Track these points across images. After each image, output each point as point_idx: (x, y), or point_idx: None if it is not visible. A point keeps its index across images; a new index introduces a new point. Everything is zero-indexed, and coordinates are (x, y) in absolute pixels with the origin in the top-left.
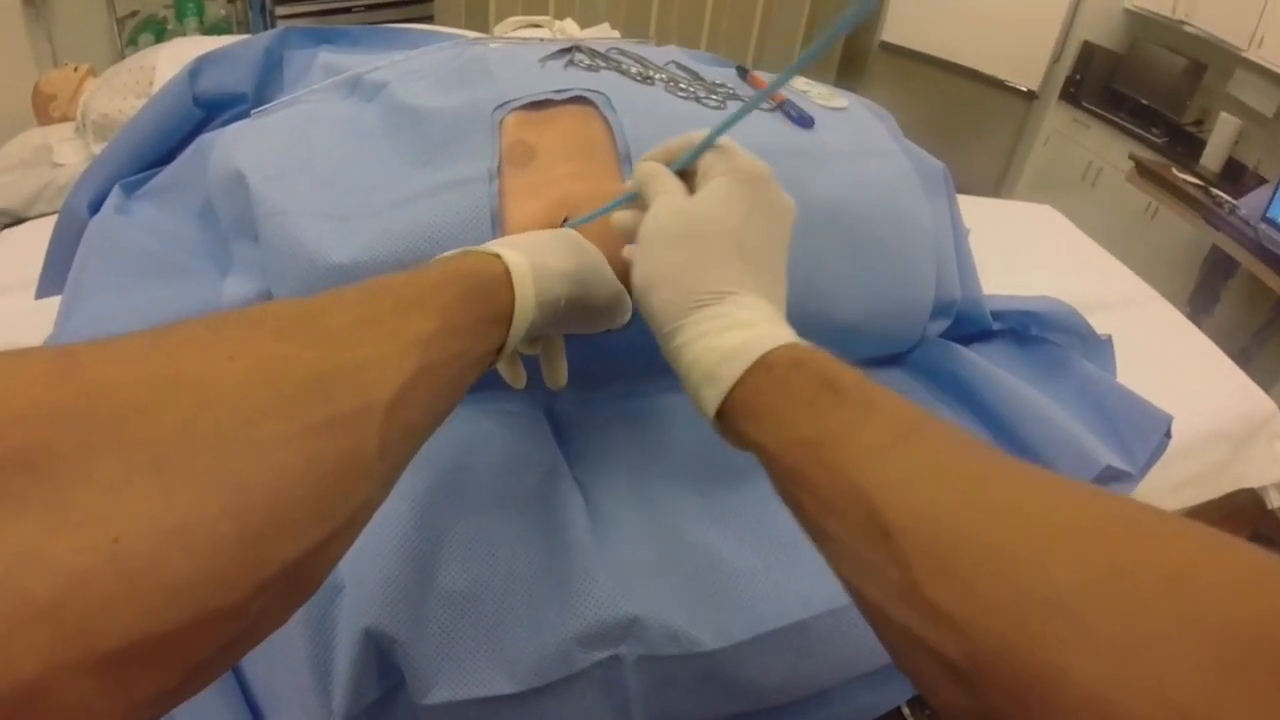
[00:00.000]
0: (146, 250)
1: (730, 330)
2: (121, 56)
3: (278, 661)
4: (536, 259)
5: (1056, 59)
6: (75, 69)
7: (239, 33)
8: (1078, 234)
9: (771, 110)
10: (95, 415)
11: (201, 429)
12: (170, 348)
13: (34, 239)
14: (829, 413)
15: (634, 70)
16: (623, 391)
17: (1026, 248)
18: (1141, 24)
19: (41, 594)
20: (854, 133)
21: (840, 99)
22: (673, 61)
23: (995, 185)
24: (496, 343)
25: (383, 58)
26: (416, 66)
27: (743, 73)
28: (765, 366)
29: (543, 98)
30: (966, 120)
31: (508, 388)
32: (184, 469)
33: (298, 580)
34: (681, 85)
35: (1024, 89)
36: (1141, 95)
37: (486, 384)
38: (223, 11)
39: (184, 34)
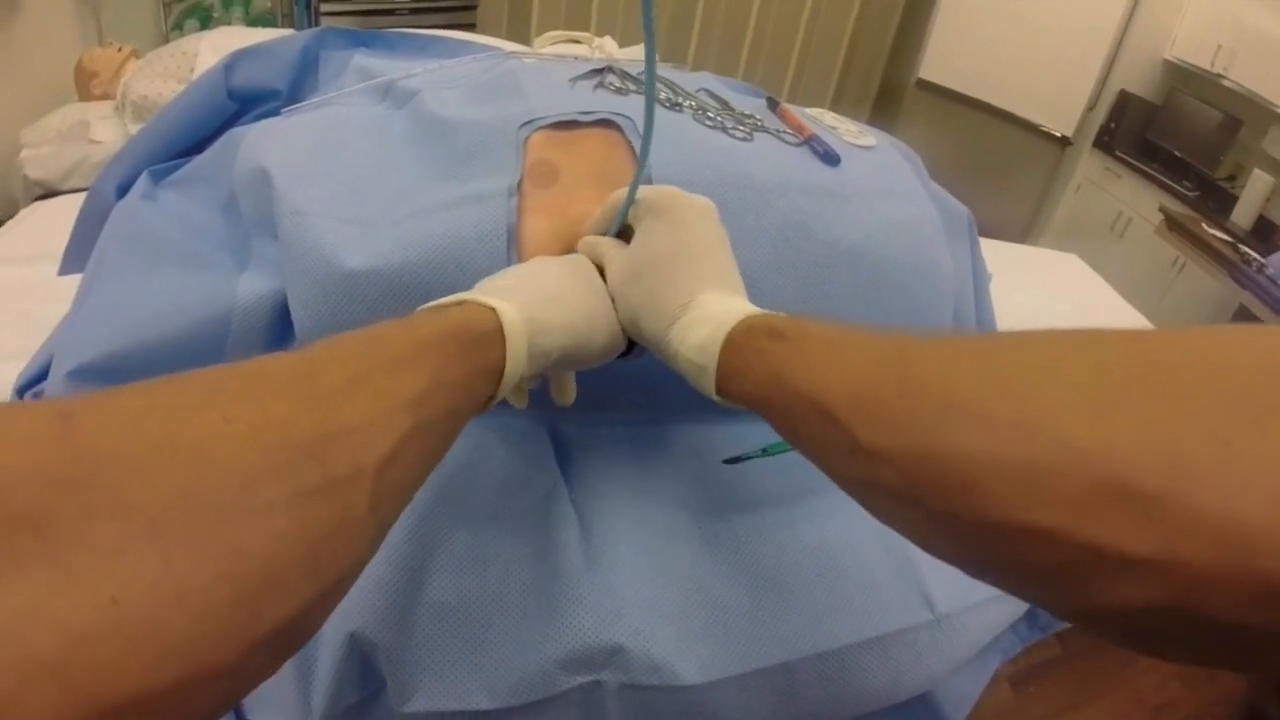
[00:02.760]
0: (168, 238)
1: (698, 329)
2: (166, 40)
3: None
4: (532, 313)
5: (1092, 106)
6: (119, 49)
7: (283, 26)
8: (1101, 285)
9: (799, 145)
10: (94, 480)
11: (198, 494)
12: (167, 409)
13: (65, 212)
14: (777, 352)
15: (663, 95)
16: (628, 418)
17: (1049, 296)
18: (1179, 75)
19: (46, 651)
20: (881, 172)
21: (869, 137)
22: (704, 89)
23: (1024, 230)
24: (487, 395)
25: (417, 65)
26: (449, 76)
27: (773, 104)
28: (729, 345)
29: (569, 118)
30: (999, 162)
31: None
32: (181, 533)
33: (289, 638)
34: (709, 114)
35: (1058, 134)
36: (1175, 147)
37: None
38: (268, 3)
39: (229, 23)
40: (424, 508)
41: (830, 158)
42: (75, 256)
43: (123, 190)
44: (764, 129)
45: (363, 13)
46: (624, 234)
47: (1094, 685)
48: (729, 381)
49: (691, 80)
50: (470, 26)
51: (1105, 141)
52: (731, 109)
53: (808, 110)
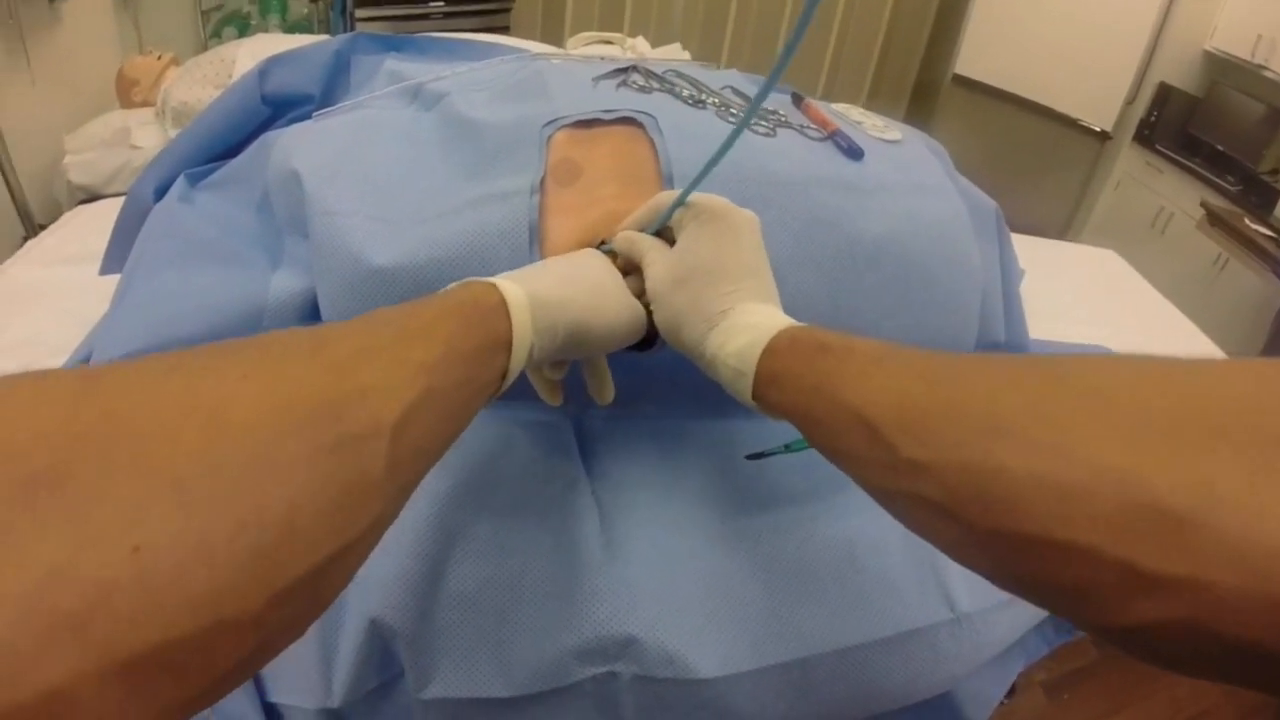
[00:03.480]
0: (204, 237)
1: (738, 335)
2: (205, 48)
3: None
4: (533, 290)
5: (1131, 100)
6: (159, 57)
7: (319, 32)
8: (1140, 282)
9: (823, 140)
10: (116, 437)
11: (218, 451)
12: (186, 372)
13: (106, 215)
14: (822, 364)
15: (686, 93)
16: (654, 412)
17: (1085, 293)
18: (1220, 67)
19: (70, 607)
20: (906, 167)
21: (895, 131)
22: (729, 86)
23: (1063, 227)
24: (500, 369)
25: (446, 68)
26: (478, 79)
27: (797, 99)
28: (771, 351)
29: (591, 116)
30: (1038, 158)
31: (539, 399)
32: (202, 488)
33: (311, 594)
34: (733, 110)
35: (1097, 129)
36: (1217, 141)
37: (519, 394)
38: (305, 10)
39: (266, 30)
40: (447, 498)
41: (854, 152)
42: (115, 256)
43: (160, 192)
44: (787, 125)
45: (397, 18)
46: (662, 235)
47: (1130, 692)
48: (767, 389)
49: (717, 78)
50: (504, 29)
51: (1145, 135)
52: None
53: (833, 105)
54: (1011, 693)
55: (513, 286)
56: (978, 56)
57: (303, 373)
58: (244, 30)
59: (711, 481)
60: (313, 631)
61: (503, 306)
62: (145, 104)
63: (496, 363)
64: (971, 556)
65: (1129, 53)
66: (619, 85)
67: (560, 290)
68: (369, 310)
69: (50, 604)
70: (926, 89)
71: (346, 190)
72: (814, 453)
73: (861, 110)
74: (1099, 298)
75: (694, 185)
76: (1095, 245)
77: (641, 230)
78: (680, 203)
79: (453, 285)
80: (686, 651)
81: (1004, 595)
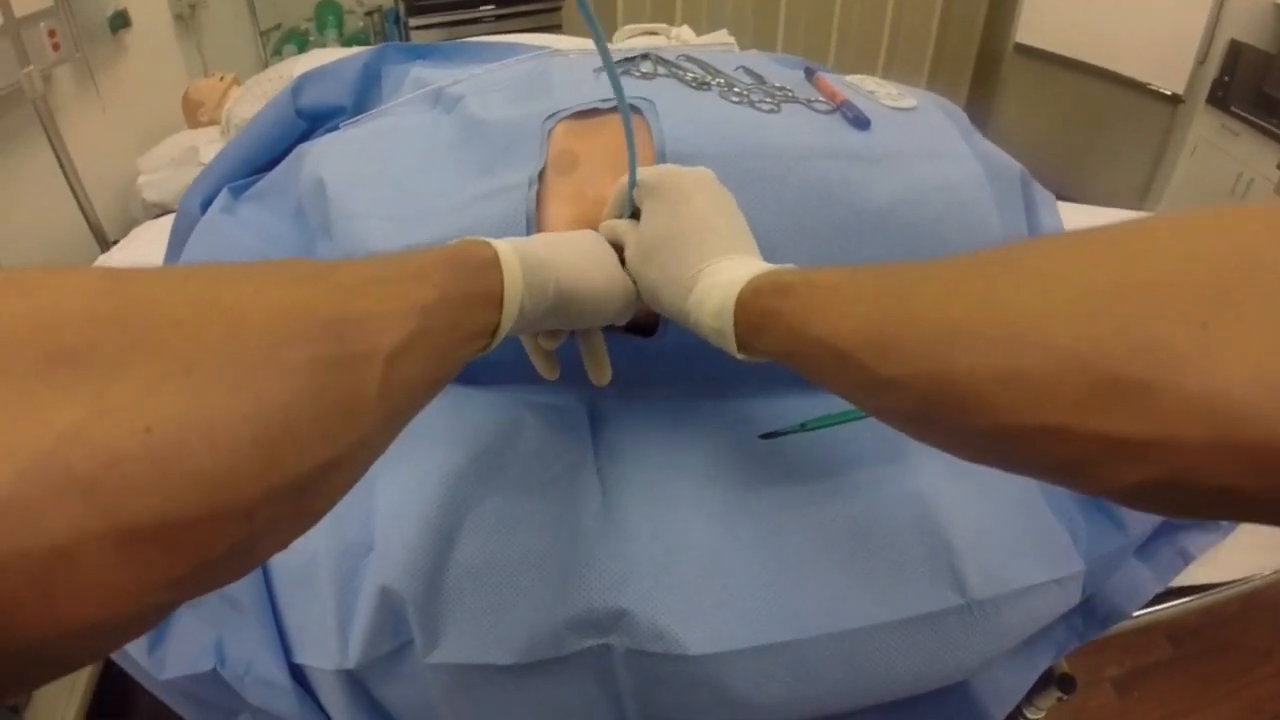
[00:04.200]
0: (243, 245)
1: (711, 296)
2: (266, 66)
3: (311, 605)
4: (525, 249)
5: (1202, 60)
6: (221, 78)
7: (376, 43)
8: None
9: (830, 112)
10: (137, 322)
11: (230, 345)
12: (206, 279)
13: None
14: (788, 305)
15: (690, 77)
16: (664, 395)
17: None
18: None
19: (80, 469)
20: (919, 133)
21: (910, 99)
22: (741, 66)
23: (1140, 196)
24: (491, 321)
25: (466, 71)
26: (495, 80)
27: (810, 74)
28: (741, 305)
29: (589, 107)
30: (1109, 125)
31: (554, 382)
32: (213, 376)
33: (302, 499)
34: (736, 89)
35: (1168, 92)
36: None
37: (532, 377)
38: (361, 24)
39: (324, 45)
40: (457, 474)
41: (861, 122)
42: (171, 264)
43: (206, 205)
44: (794, 99)
45: (450, 24)
46: (636, 216)
47: (1206, 692)
48: (749, 339)
49: (732, 60)
50: (557, 27)
51: (1219, 97)
52: (765, 83)
53: (848, 78)
54: (1073, 687)
55: (504, 245)
56: (1039, 24)
57: (311, 293)
58: (303, 47)
59: (721, 460)
60: (333, 598)
61: (496, 262)
62: (211, 123)
63: (487, 315)
64: (960, 451)
65: (1196, 10)
66: (620, 74)
67: (551, 252)
68: None
69: (63, 463)
70: (989, 61)
71: (367, 194)
72: (829, 432)
73: (876, 80)
74: None
75: (632, 164)
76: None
77: (619, 216)
78: (632, 183)
79: (451, 241)
80: (676, 627)
81: (1022, 582)
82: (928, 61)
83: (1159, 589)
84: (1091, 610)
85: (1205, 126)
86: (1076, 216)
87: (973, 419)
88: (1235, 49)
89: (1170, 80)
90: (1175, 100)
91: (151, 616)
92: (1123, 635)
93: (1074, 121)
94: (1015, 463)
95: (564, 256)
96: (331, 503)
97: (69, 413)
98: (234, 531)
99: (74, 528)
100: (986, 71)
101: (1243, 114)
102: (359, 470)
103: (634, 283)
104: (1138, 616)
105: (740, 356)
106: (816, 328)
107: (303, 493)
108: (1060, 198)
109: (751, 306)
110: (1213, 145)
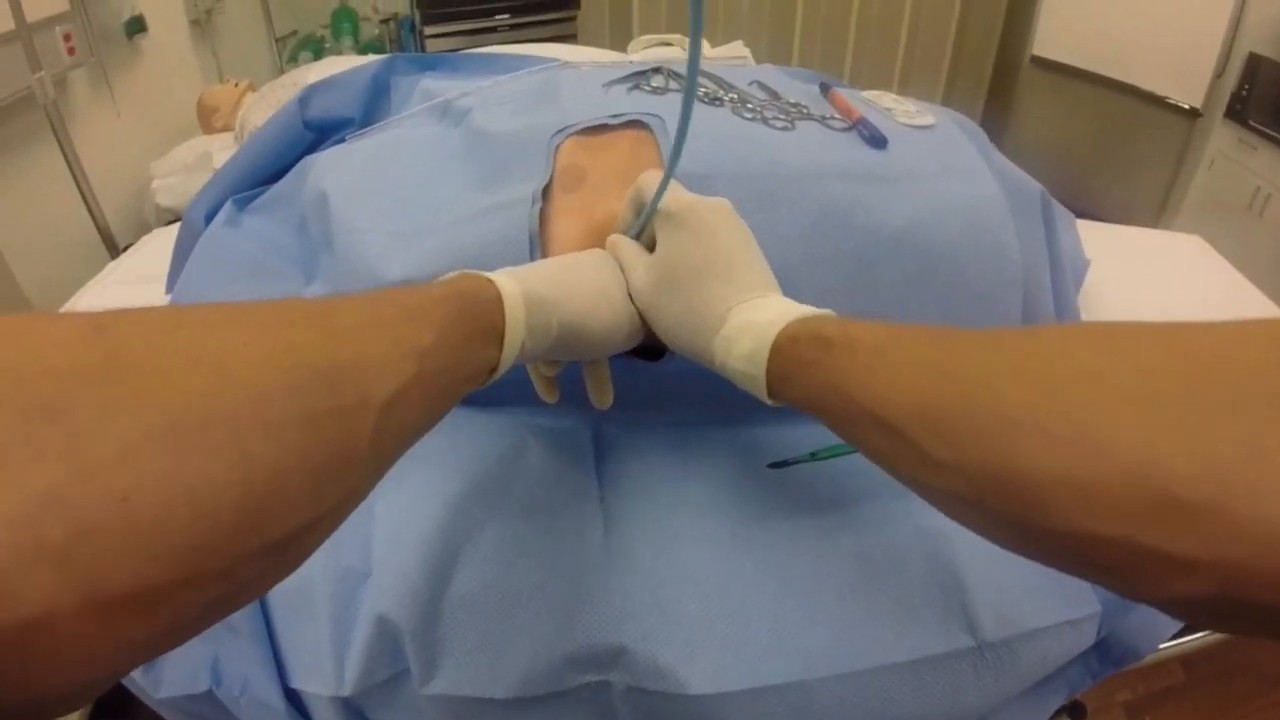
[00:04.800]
0: (248, 255)
1: (743, 339)
2: (282, 73)
3: (307, 630)
4: (529, 287)
5: (1220, 73)
6: (236, 84)
7: (391, 51)
8: (1227, 269)
9: (846, 130)
10: (121, 375)
11: (216, 402)
12: (193, 326)
13: None
14: (828, 362)
15: (703, 92)
16: (674, 419)
17: (1164, 284)
18: None
19: (55, 538)
20: (936, 152)
21: (927, 116)
22: (756, 81)
23: (1156, 211)
24: (490, 361)
25: (475, 83)
26: (503, 92)
27: (825, 89)
28: (776, 352)
29: (599, 122)
30: (1126, 139)
31: (558, 405)
32: (197, 436)
33: (284, 554)
34: (749, 106)
35: (1186, 106)
36: None
37: (536, 400)
38: (376, 31)
39: (340, 53)
40: (457, 500)
41: (877, 140)
42: (175, 277)
43: (210, 217)
44: (809, 116)
45: (466, 32)
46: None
47: (1220, 717)
48: (782, 387)
49: (746, 74)
50: (572, 37)
51: (1238, 111)
52: (779, 99)
53: (864, 93)
54: (1084, 715)
55: (509, 282)
56: (1056, 36)
57: (304, 339)
58: (318, 54)
59: (728, 490)
60: (329, 625)
61: (498, 300)
62: (225, 129)
63: (486, 354)
64: (1005, 543)
65: (1214, 22)
66: (631, 89)
67: (556, 289)
68: None
69: (37, 532)
70: (1005, 72)
71: (369, 207)
72: (840, 462)
73: (894, 96)
74: (1180, 288)
75: (667, 180)
76: (1191, 229)
77: (629, 228)
78: (659, 197)
79: (452, 274)
80: (677, 665)
81: (1036, 623)
82: (944, 73)
83: (1176, 629)
84: (1106, 650)
85: (1223, 140)
86: (1095, 236)
87: (1030, 517)
88: (1254, 62)
89: (1188, 93)
90: (1193, 113)
91: (128, 669)
92: None
93: (1091, 134)
94: (1063, 562)
95: (570, 291)
96: (310, 553)
97: (46, 475)
98: (211, 591)
99: (48, 599)
100: (1003, 84)
101: (1261, 127)
102: (342, 520)
103: (640, 313)
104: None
105: (772, 404)
106: (859, 392)
107: (284, 550)
108: (1076, 211)
109: (788, 354)
110: (1230, 159)
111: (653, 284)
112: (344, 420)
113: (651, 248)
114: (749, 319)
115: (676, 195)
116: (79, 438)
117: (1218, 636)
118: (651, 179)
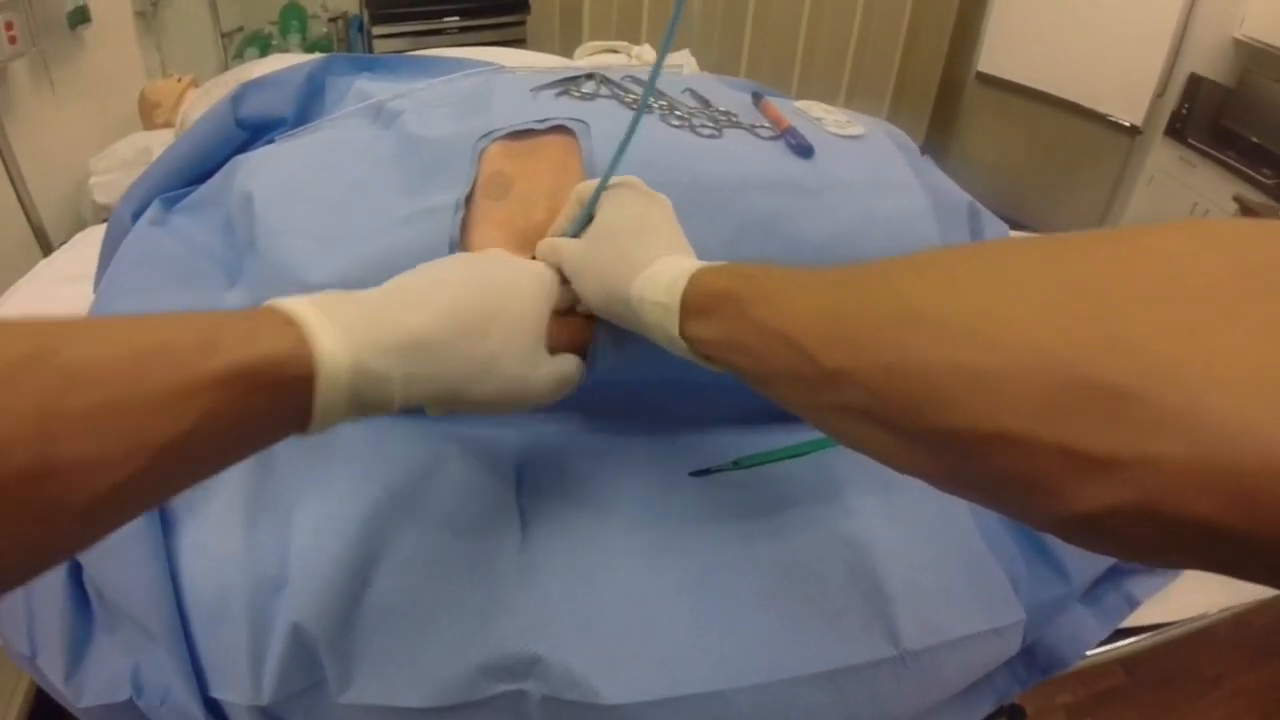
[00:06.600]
0: (172, 256)
1: (663, 274)
2: (227, 68)
3: (224, 638)
4: (365, 361)
5: (1161, 93)
6: (179, 79)
7: (339, 50)
8: None
9: (774, 139)
10: None
11: None
12: None
13: None
14: (741, 289)
15: (630, 98)
16: (594, 428)
17: None
18: (1252, 56)
19: None
20: (864, 163)
21: (858, 126)
22: (688, 89)
23: (1097, 224)
24: (282, 434)
25: (410, 85)
26: (437, 95)
27: (756, 98)
28: (694, 285)
29: (525, 127)
30: (1068, 155)
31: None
32: None
33: None
34: (678, 113)
35: (1127, 123)
36: (1252, 133)
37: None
38: (325, 30)
39: (287, 50)
40: (375, 510)
41: (804, 150)
42: (101, 276)
43: (138, 215)
44: (737, 125)
45: (414, 33)
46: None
47: (1162, 718)
48: (694, 323)
49: (678, 82)
50: (521, 42)
51: (1177, 129)
52: (710, 107)
53: (796, 103)
54: (1023, 716)
55: (334, 354)
56: (1001, 53)
57: (20, 432)
58: (265, 50)
59: (649, 498)
60: (246, 632)
61: (308, 382)
62: (167, 125)
63: (278, 430)
64: (907, 460)
65: (1156, 43)
66: (559, 94)
67: (415, 358)
68: None
69: None
70: (950, 88)
71: (295, 210)
72: (763, 470)
73: (824, 106)
74: None
75: (611, 171)
76: None
77: (569, 225)
78: (603, 187)
79: (282, 312)
80: (592, 675)
81: (958, 632)
82: (890, 88)
83: (1103, 635)
84: (1033, 658)
85: (1163, 157)
86: None
87: (923, 418)
88: (1194, 82)
89: (1129, 111)
90: (1134, 131)
91: None
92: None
93: (1034, 150)
94: (962, 476)
95: (441, 358)
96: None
97: None
98: None
99: None
100: (948, 99)
101: (1200, 146)
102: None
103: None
104: (1084, 656)
105: (681, 345)
106: (765, 312)
107: None
108: (1017, 226)
109: (703, 285)
110: (1170, 176)
111: (587, 244)
112: (50, 513)
113: None
114: (675, 261)
115: (625, 176)
116: None
117: (1158, 638)
118: (589, 187)
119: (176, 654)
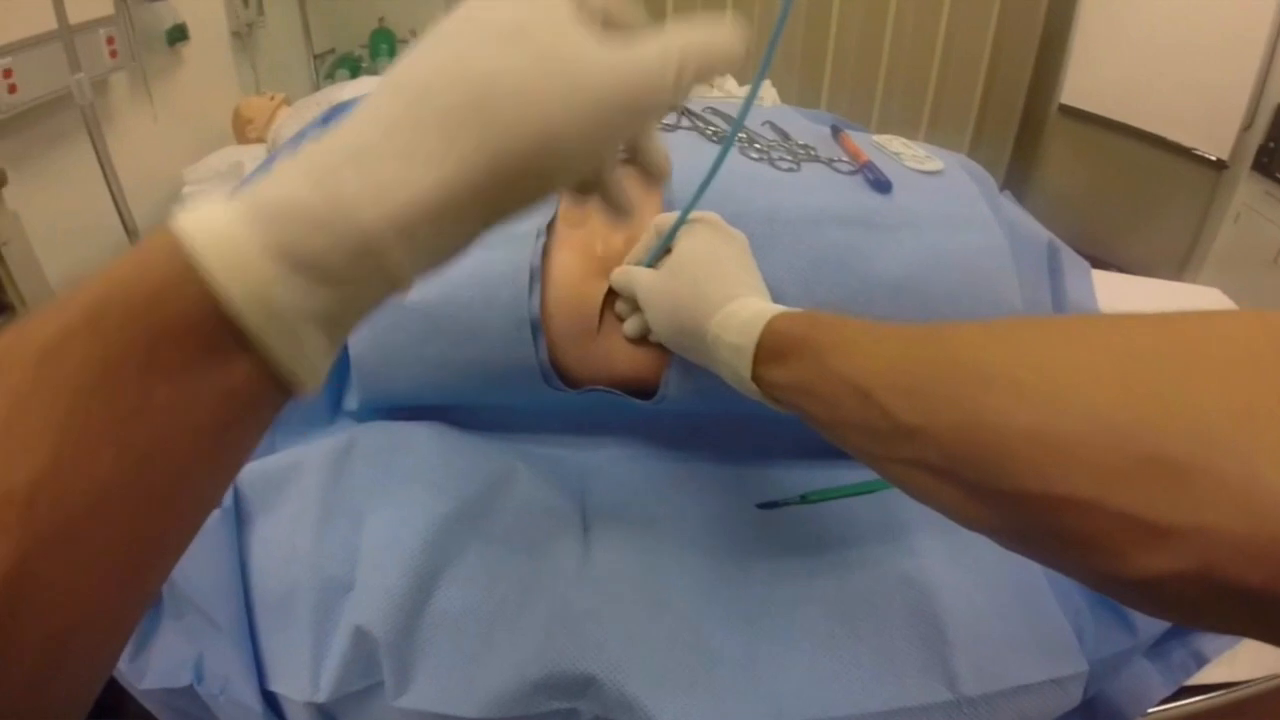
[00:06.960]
0: None
1: (741, 314)
2: (318, 89)
3: (288, 635)
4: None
5: (1248, 125)
6: (271, 97)
7: None
8: None
9: (853, 173)
10: None
11: None
12: None
13: None
14: (816, 336)
15: (710, 131)
16: (662, 454)
17: None
18: None
19: None
20: (942, 199)
21: (936, 161)
22: (768, 121)
23: (1180, 263)
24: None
25: None
26: None
27: (835, 132)
28: (770, 330)
29: None
30: (1151, 190)
31: (554, 431)
32: None
33: None
34: (757, 145)
35: (1213, 157)
36: None
37: (530, 426)
38: None
39: (376, 72)
40: (443, 523)
41: (882, 185)
42: None
43: None
44: (816, 159)
45: None
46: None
47: None
48: (767, 366)
49: (759, 114)
50: None
51: (1264, 164)
52: (789, 140)
53: (875, 137)
54: None
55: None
56: (1083, 85)
57: None
58: (355, 72)
59: (713, 527)
60: (309, 631)
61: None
62: (259, 140)
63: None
64: (975, 516)
65: (1242, 75)
66: None
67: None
68: (384, 338)
69: None
70: (1032, 121)
71: None
72: (829, 506)
73: (903, 140)
74: None
75: (693, 204)
76: (1214, 282)
77: (646, 255)
78: (682, 221)
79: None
80: (645, 699)
81: (1018, 680)
82: (972, 120)
83: (1168, 692)
84: (1093, 712)
85: (1249, 193)
86: (1113, 286)
87: (995, 478)
88: None
89: (1214, 145)
90: (1219, 165)
91: None
92: None
93: (1116, 185)
94: (1028, 535)
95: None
96: None
97: None
98: None
99: None
100: (1030, 132)
101: None
102: None
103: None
104: (1145, 715)
105: (751, 387)
106: (841, 362)
107: None
108: (1098, 263)
109: (779, 329)
110: (1256, 212)
111: (661, 273)
112: None
113: None
114: (752, 302)
115: (705, 213)
116: None
117: (1226, 697)
118: (668, 219)
119: (240, 646)
